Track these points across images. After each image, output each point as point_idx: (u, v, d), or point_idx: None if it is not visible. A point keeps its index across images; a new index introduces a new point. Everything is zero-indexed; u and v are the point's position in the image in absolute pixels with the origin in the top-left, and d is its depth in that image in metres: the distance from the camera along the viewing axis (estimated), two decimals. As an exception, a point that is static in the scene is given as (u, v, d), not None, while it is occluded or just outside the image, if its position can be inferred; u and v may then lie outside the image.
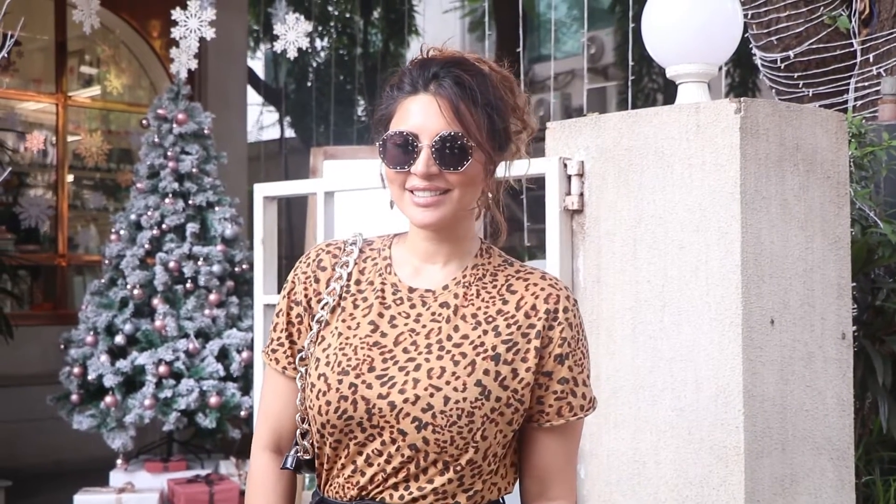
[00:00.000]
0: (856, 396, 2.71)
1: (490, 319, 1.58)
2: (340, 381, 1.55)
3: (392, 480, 1.54)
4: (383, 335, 1.58)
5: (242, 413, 5.57)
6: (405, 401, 1.52)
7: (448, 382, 1.52)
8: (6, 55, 4.44)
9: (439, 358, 1.54)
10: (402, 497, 1.54)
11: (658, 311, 2.53)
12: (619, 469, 2.60)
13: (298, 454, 1.66)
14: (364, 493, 1.56)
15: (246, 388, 5.61)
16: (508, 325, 1.58)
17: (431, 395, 1.51)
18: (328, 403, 1.55)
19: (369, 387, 1.54)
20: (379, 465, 1.54)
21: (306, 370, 1.62)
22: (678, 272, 2.50)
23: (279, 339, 1.67)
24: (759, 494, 2.43)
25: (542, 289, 1.60)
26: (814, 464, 2.56)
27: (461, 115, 1.52)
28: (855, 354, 2.70)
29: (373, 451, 1.54)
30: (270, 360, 1.68)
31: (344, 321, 1.61)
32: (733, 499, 2.42)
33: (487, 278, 1.62)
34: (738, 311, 2.39)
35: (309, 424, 1.62)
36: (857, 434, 2.77)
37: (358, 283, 1.64)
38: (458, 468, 1.53)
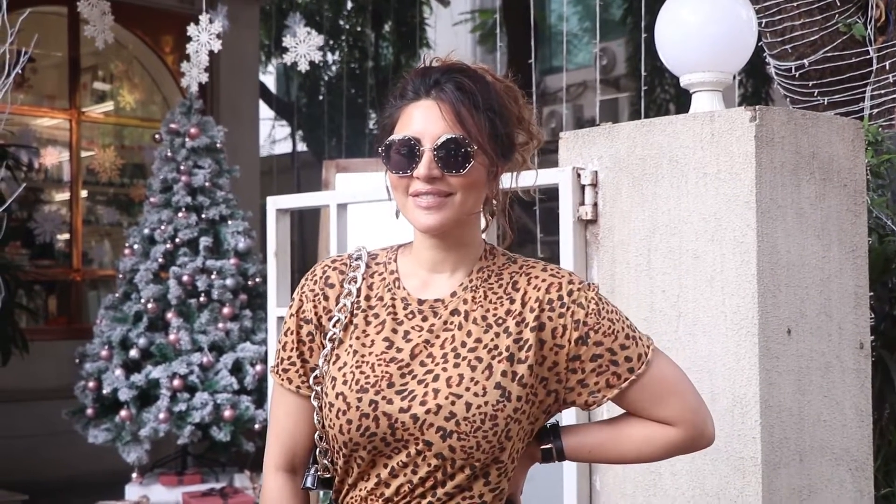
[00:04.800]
0: (873, 407, 2.69)
1: (500, 321, 1.58)
2: (360, 399, 1.54)
3: (419, 490, 1.54)
4: (399, 350, 1.57)
5: (256, 426, 5.57)
6: (427, 412, 1.51)
7: (468, 389, 1.52)
8: (20, 72, 4.46)
9: (456, 366, 1.54)
10: (429, 503, 1.53)
11: (673, 321, 2.51)
12: (635, 480, 2.58)
13: (318, 473, 1.64)
14: None
15: (260, 401, 5.61)
16: (518, 324, 1.58)
17: (453, 404, 1.51)
18: (349, 422, 1.54)
19: (390, 402, 1.53)
20: (405, 475, 1.53)
21: (321, 389, 1.61)
22: (693, 282, 2.48)
23: (290, 357, 1.65)
24: (777, 506, 2.41)
25: (543, 280, 1.61)
26: (832, 475, 2.54)
27: (462, 118, 1.54)
28: (872, 364, 2.68)
29: (398, 464, 1.54)
30: (282, 379, 1.66)
31: (358, 338, 1.60)
32: (751, 510, 2.40)
33: (493, 279, 1.62)
34: (755, 321, 2.37)
35: (328, 442, 1.61)
36: (875, 445, 2.75)
37: (368, 298, 1.63)
38: (486, 470, 1.54)
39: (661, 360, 1.65)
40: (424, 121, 1.55)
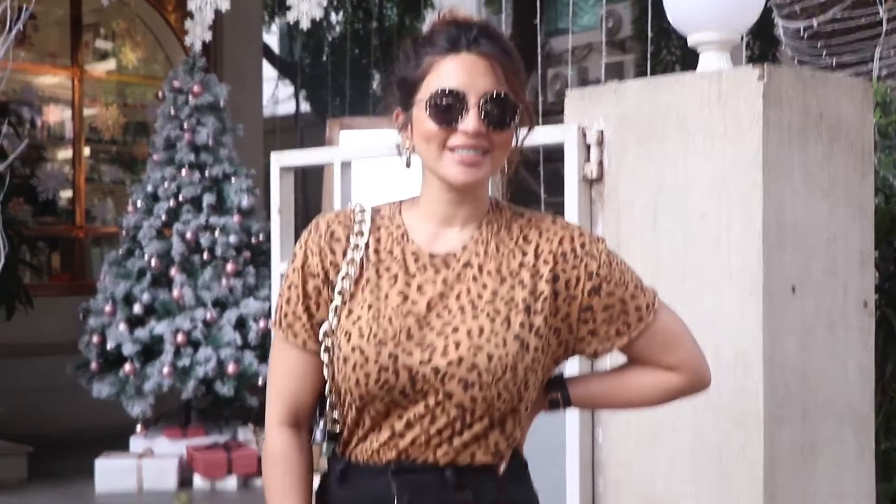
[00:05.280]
0: (876, 365, 2.71)
1: (514, 273, 1.59)
2: (379, 353, 1.54)
3: (435, 440, 1.54)
4: (414, 303, 1.57)
5: (260, 381, 5.60)
6: (449, 364, 1.52)
7: (489, 340, 1.53)
8: (21, 29, 4.45)
9: (475, 317, 1.55)
10: (445, 453, 1.54)
11: (679, 279, 2.52)
12: (637, 434, 2.61)
13: (328, 427, 1.64)
14: (404, 455, 1.56)
15: (263, 357, 5.64)
16: (532, 277, 1.59)
17: (475, 355, 1.52)
18: (367, 375, 1.53)
19: (410, 354, 1.53)
20: (422, 427, 1.54)
21: (332, 343, 1.60)
22: (699, 240, 2.49)
23: (295, 312, 1.63)
24: (778, 461, 2.43)
25: (555, 233, 1.62)
26: (834, 431, 2.56)
27: (508, 76, 1.55)
28: (876, 323, 2.70)
29: (414, 415, 1.54)
30: (286, 335, 1.64)
31: (371, 292, 1.59)
32: (752, 466, 2.42)
33: (503, 232, 1.62)
34: (759, 279, 2.39)
35: (337, 396, 1.61)
36: (877, 402, 2.77)
37: (377, 251, 1.62)
38: (503, 420, 1.55)
39: (666, 309, 1.68)
40: (470, 74, 1.54)
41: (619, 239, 2.64)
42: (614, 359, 1.77)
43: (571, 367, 2.49)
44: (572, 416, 2.70)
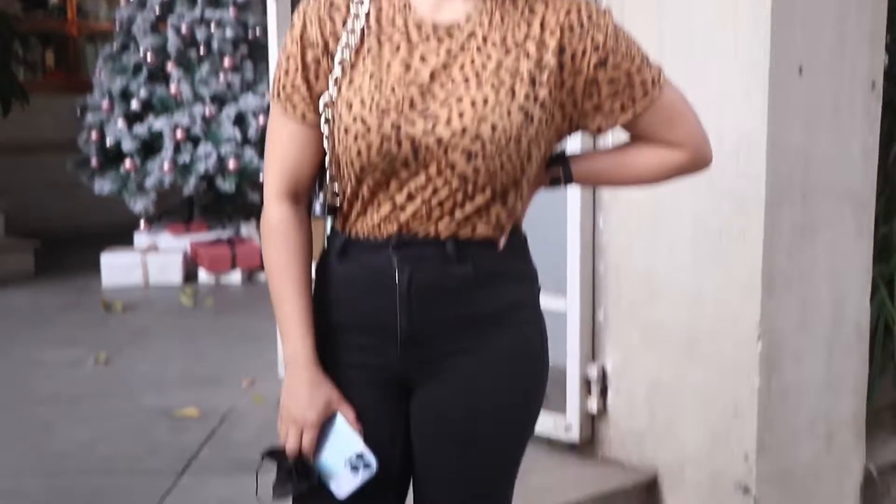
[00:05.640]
0: (880, 148, 2.69)
1: (519, 44, 1.56)
2: (381, 122, 1.51)
3: (437, 213, 1.54)
4: (417, 73, 1.54)
5: (261, 177, 5.59)
6: (453, 134, 1.50)
7: (493, 111, 1.51)
8: None
9: (479, 88, 1.53)
10: (446, 226, 1.55)
11: (682, 61, 2.47)
12: (639, 217, 2.62)
13: (328, 201, 1.63)
14: (405, 229, 1.56)
15: (263, 153, 5.60)
16: (538, 48, 1.56)
17: (479, 125, 1.51)
18: (368, 146, 1.51)
19: (413, 124, 1.51)
20: (423, 198, 1.53)
21: (332, 114, 1.57)
22: (705, 20, 2.43)
23: (294, 83, 1.59)
24: (777, 243, 2.45)
25: (561, 4, 1.58)
26: (834, 213, 2.57)
27: None
28: (883, 106, 2.66)
29: (416, 187, 1.53)
30: (285, 107, 1.61)
31: (373, 62, 1.56)
32: (752, 248, 2.44)
33: (508, 3, 1.59)
34: (766, 60, 2.34)
35: (337, 169, 1.59)
36: (879, 186, 2.76)
37: (378, 21, 1.58)
38: (504, 191, 1.55)
39: (670, 86, 1.65)
40: None
41: (622, 17, 2.55)
42: (616, 137, 1.75)
43: (573, 145, 2.48)
44: (573, 200, 2.70)
